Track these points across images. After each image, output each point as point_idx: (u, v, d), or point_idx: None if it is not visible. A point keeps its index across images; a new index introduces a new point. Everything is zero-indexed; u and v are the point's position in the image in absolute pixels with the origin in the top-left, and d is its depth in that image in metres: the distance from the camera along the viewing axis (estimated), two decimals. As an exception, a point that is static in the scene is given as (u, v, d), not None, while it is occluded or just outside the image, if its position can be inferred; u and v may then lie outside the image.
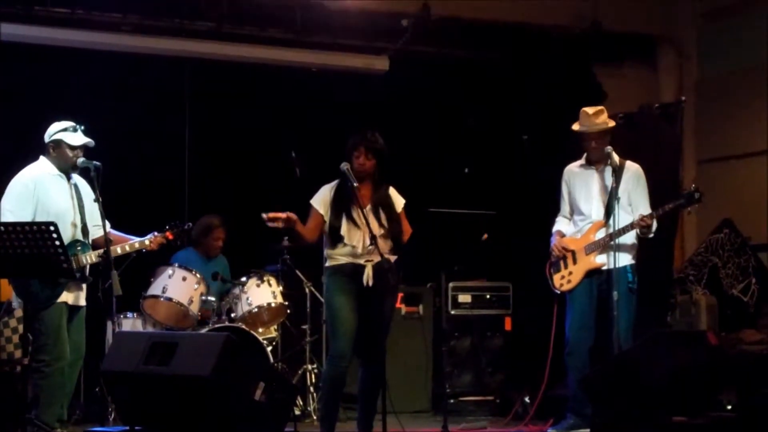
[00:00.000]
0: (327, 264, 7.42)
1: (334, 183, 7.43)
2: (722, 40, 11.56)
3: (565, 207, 8.47)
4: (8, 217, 7.19)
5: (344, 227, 7.27)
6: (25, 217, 7.23)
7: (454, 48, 11.16)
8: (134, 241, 7.72)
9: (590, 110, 8.22)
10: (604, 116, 8.23)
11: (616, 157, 8.05)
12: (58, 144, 7.49)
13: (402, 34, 10.72)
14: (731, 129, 11.37)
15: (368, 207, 7.36)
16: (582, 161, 8.36)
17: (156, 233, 7.86)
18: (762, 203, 10.70)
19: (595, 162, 8.27)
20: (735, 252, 10.68)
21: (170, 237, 7.98)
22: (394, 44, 10.86)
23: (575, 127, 8.25)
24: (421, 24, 10.56)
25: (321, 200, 7.41)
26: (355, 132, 7.42)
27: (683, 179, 10.69)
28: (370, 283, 7.20)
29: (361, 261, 7.26)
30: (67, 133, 7.48)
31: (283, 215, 7.08)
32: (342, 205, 7.32)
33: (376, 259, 7.15)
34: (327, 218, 7.35)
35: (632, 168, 8.19)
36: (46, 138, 7.53)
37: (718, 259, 10.74)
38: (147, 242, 7.77)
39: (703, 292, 10.57)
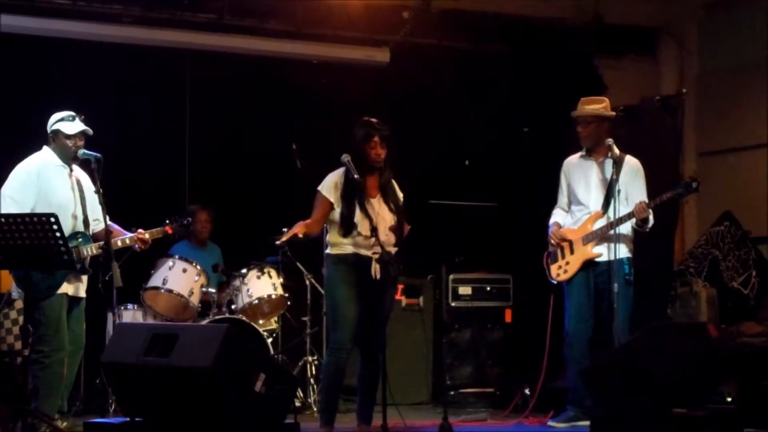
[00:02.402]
0: (330, 252, 7.37)
1: (340, 170, 7.35)
2: (723, 32, 11.54)
3: (562, 199, 8.49)
4: (9, 204, 7.21)
5: (358, 216, 7.23)
6: (27, 204, 7.26)
7: (454, 40, 11.15)
8: (131, 236, 7.72)
9: (585, 98, 8.28)
10: (596, 105, 8.27)
11: (616, 150, 8.06)
12: (56, 134, 7.52)
13: (403, 26, 10.72)
14: (732, 121, 11.37)
15: (377, 197, 7.35)
16: (582, 152, 8.39)
17: (156, 229, 7.88)
18: (762, 196, 10.69)
19: (594, 153, 8.29)
20: (735, 244, 10.67)
21: (170, 231, 8.00)
22: (395, 36, 10.86)
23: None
24: (422, 16, 10.56)
25: (331, 187, 7.32)
26: (361, 122, 7.37)
27: (684, 172, 10.70)
28: (378, 276, 7.18)
29: (368, 252, 7.23)
30: (64, 122, 7.51)
31: (296, 231, 7.09)
32: (354, 194, 7.25)
33: (378, 250, 7.14)
34: (337, 206, 7.29)
35: (631, 162, 8.20)
36: (48, 128, 7.56)
37: (719, 252, 10.73)
38: (147, 235, 7.77)
39: (703, 284, 10.57)
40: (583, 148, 8.38)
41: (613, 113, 8.34)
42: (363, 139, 7.28)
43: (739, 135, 11.25)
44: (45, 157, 7.51)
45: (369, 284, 7.20)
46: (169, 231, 8.00)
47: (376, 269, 7.17)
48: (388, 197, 7.39)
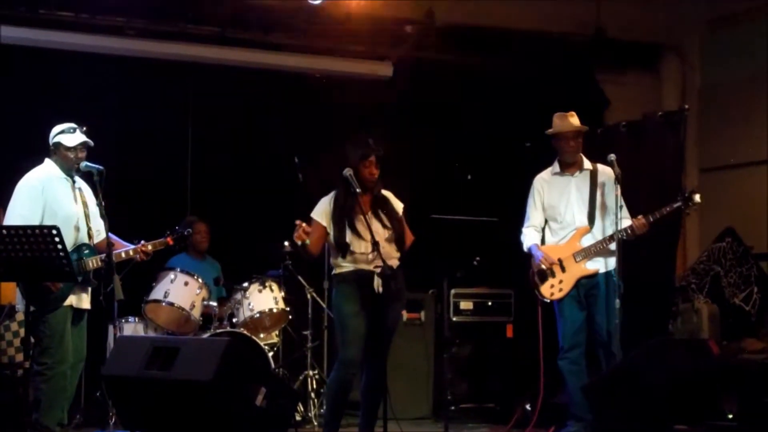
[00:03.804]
0: (334, 272, 7.44)
1: (331, 194, 7.43)
2: (725, 48, 11.56)
3: (536, 217, 8.42)
4: (18, 220, 7.18)
5: (349, 236, 7.26)
6: (35, 218, 7.25)
7: (457, 54, 11.15)
8: (133, 248, 7.72)
9: (563, 114, 8.28)
10: (576, 119, 8.28)
11: (587, 163, 8.16)
12: (57, 146, 7.51)
13: (406, 40, 10.72)
14: (734, 137, 11.37)
15: (369, 213, 7.35)
16: (555, 169, 8.37)
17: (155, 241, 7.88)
18: (764, 212, 10.70)
19: (569, 168, 8.29)
20: (737, 261, 10.67)
21: (170, 243, 8.00)
22: (398, 50, 10.86)
23: (550, 130, 8.29)
24: (425, 30, 10.56)
25: (322, 213, 7.39)
26: (355, 140, 7.39)
27: (686, 187, 10.69)
28: (380, 290, 7.18)
29: (369, 267, 7.25)
30: (64, 134, 7.51)
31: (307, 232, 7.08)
32: (343, 215, 7.30)
33: (380, 264, 7.14)
34: (330, 230, 7.34)
35: (607, 171, 8.18)
36: (49, 141, 7.56)
37: (720, 268, 10.73)
38: (150, 247, 7.77)
39: (704, 300, 10.57)
40: (554, 164, 8.39)
41: (586, 127, 8.38)
42: (359, 158, 7.31)
43: (741, 151, 11.26)
44: (48, 170, 7.51)
45: (373, 299, 7.20)
46: (170, 242, 8.01)
47: (378, 283, 7.18)
48: (380, 212, 7.41)
